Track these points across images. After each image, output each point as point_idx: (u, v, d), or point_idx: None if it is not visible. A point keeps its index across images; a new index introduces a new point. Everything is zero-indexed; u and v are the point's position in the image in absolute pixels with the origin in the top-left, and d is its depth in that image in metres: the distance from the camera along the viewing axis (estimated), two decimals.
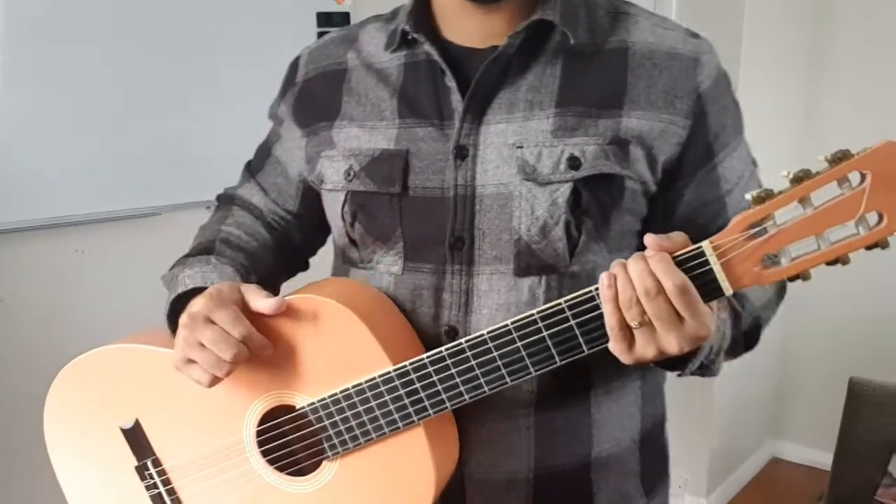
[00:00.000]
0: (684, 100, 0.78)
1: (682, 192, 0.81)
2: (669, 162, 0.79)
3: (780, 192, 0.64)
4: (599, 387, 0.82)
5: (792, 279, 0.65)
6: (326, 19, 1.83)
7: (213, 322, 0.73)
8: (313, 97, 0.89)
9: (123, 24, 1.63)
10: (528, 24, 0.77)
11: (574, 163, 0.75)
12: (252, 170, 0.98)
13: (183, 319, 0.75)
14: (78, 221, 1.62)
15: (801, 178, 0.63)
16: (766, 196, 0.64)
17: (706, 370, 0.78)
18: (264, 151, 0.97)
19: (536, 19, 0.77)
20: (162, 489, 0.86)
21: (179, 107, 1.67)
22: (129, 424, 0.86)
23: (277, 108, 0.94)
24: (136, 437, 0.86)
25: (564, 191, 0.76)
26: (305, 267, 1.01)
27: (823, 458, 2.66)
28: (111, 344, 0.87)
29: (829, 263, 0.64)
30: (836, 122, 2.64)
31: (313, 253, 1.01)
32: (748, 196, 0.65)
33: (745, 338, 0.82)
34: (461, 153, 0.78)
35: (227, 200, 0.99)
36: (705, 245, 0.65)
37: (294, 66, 0.93)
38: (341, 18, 1.85)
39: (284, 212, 0.96)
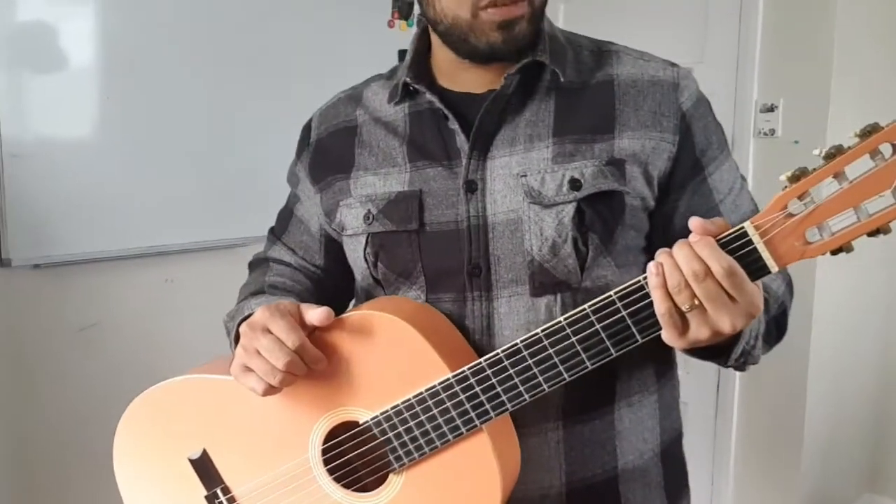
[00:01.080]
0: (670, 118, 0.84)
1: (677, 203, 0.86)
2: (663, 176, 0.84)
3: (815, 169, 0.66)
4: (622, 398, 0.86)
5: (835, 252, 0.67)
6: None
7: (269, 331, 0.76)
8: (327, 154, 0.95)
9: (212, 62, 1.75)
10: (522, 65, 0.84)
11: (575, 184, 0.81)
12: (276, 233, 1.03)
13: (242, 328, 0.79)
14: (168, 251, 1.73)
15: (833, 154, 0.66)
16: (800, 174, 0.66)
17: (748, 357, 0.80)
18: (286, 213, 1.02)
19: (530, 61, 0.84)
20: None
21: (264, 142, 1.77)
22: (196, 454, 0.89)
23: (295, 169, 1.00)
24: (204, 467, 0.89)
25: (569, 210, 0.81)
26: None
27: None
28: (175, 377, 0.90)
29: (871, 234, 0.66)
30: None
31: (346, 305, 1.03)
32: (782, 177, 0.67)
33: (775, 324, 0.85)
34: (471, 187, 0.84)
35: (260, 262, 1.04)
36: (747, 226, 0.67)
37: (307, 128, 0.99)
38: None
39: (314, 267, 1.01)
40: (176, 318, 1.76)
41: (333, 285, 1.00)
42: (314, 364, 0.78)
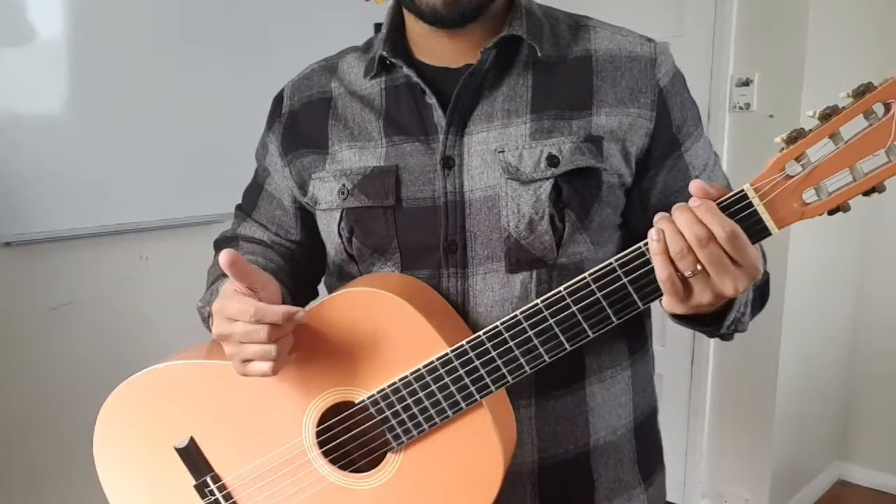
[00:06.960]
0: (647, 94, 0.83)
1: (655, 180, 0.86)
2: (641, 153, 0.84)
3: (811, 131, 0.66)
4: (593, 374, 0.86)
5: (832, 212, 0.68)
6: None
7: (234, 319, 0.74)
8: (300, 125, 0.93)
9: (185, 36, 1.70)
10: (499, 39, 0.83)
11: (553, 160, 0.81)
12: (245, 209, 1.00)
13: (214, 334, 0.77)
14: (143, 228, 1.70)
15: (828, 114, 0.66)
16: (797, 136, 0.66)
17: (738, 324, 0.81)
18: (255, 189, 0.99)
19: (507, 35, 0.83)
20: None
21: (239, 117, 1.71)
22: (183, 443, 0.86)
23: (266, 140, 0.97)
24: (191, 456, 0.86)
25: (546, 187, 0.80)
26: (315, 294, 1.02)
27: (893, 482, 2.65)
28: (158, 364, 0.87)
29: (866, 194, 0.67)
30: None
31: (319, 280, 1.02)
32: (777, 139, 0.67)
33: (759, 292, 0.85)
34: (448, 163, 0.83)
35: (229, 240, 1.00)
36: (747, 188, 0.67)
37: (279, 99, 0.96)
38: None
39: (289, 242, 0.98)
40: (151, 296, 1.72)
41: (308, 260, 0.98)
42: (289, 316, 0.74)
